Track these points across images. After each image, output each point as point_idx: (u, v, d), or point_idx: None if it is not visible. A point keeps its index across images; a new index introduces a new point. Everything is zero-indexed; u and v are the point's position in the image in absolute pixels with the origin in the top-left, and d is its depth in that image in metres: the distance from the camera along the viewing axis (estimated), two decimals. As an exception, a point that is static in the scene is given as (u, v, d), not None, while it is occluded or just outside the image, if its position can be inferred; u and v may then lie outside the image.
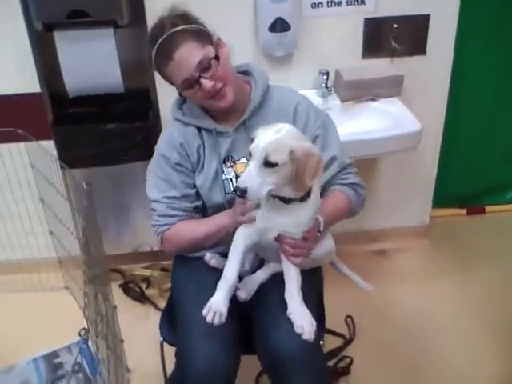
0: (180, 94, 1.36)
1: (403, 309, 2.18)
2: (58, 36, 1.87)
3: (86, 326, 1.18)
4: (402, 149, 1.92)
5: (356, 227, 2.40)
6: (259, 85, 1.39)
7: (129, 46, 1.96)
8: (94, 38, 1.89)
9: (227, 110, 1.35)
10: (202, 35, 1.30)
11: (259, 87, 1.39)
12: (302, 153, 1.10)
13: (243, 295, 1.34)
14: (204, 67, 1.27)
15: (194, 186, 1.41)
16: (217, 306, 1.24)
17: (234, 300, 1.29)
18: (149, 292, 2.32)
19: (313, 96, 2.07)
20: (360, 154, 1.83)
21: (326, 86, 2.05)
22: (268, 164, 1.10)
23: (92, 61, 1.92)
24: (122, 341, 1.87)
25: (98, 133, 1.99)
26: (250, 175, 1.11)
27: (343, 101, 2.07)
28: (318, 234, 1.30)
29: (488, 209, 2.74)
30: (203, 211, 1.45)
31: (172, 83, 1.33)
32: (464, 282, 2.29)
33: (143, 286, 2.34)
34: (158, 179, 1.40)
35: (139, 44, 1.95)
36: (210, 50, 1.28)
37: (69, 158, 2.00)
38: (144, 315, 2.22)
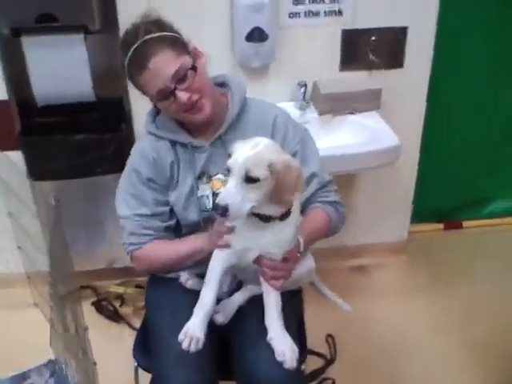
0: (154, 105, 1.31)
1: (382, 325, 2.14)
2: (27, 42, 1.81)
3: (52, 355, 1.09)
4: (380, 164, 1.89)
5: (334, 243, 2.34)
6: (236, 97, 1.33)
7: (100, 53, 1.91)
8: (64, 44, 1.83)
9: (203, 123, 1.29)
10: (178, 43, 1.24)
11: (236, 100, 1.33)
12: (281, 166, 1.06)
13: (220, 319, 1.28)
14: (180, 78, 1.21)
15: (167, 203, 1.34)
16: (193, 332, 1.17)
17: (211, 323, 1.23)
18: (123, 310, 2.24)
19: (291, 108, 2.04)
20: (337, 169, 1.79)
21: (304, 99, 2.03)
22: (249, 180, 1.05)
23: (62, 68, 1.85)
24: (95, 363, 1.77)
25: (68, 144, 1.92)
26: (230, 192, 1.05)
27: (321, 114, 2.04)
28: (298, 254, 1.24)
29: (465, 224, 2.73)
30: (177, 230, 1.39)
31: (145, 93, 1.27)
32: (440, 298, 2.27)
33: (117, 303, 2.26)
34: (127, 195, 1.33)
35: (111, 51, 1.89)
36: (186, 60, 1.23)
37: (38, 170, 1.96)
38: (118, 335, 2.13)
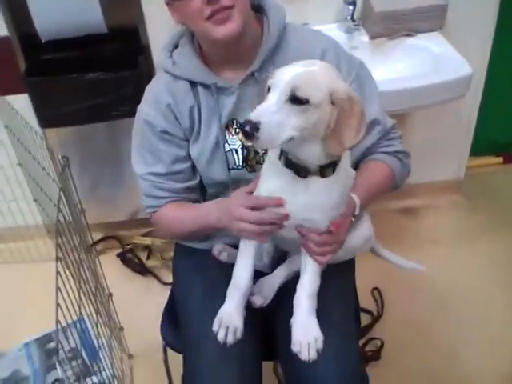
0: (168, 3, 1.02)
1: (435, 278, 1.95)
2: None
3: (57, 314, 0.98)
4: (447, 99, 1.61)
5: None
6: (273, 25, 1.06)
7: (110, -25, 1.63)
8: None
9: (228, 48, 1.03)
10: None
11: (273, 28, 1.06)
12: (345, 97, 0.81)
13: (258, 301, 1.09)
14: None
15: (188, 158, 1.13)
16: (228, 320, 1.01)
17: (249, 305, 1.06)
18: (150, 262, 2.10)
19: (335, 31, 1.76)
20: (393, 107, 1.51)
21: (352, 19, 1.74)
22: (295, 100, 0.79)
23: (66, -5, 1.58)
24: (122, 328, 1.65)
25: (80, 84, 1.70)
26: (267, 108, 0.79)
27: (373, 37, 1.75)
28: (353, 218, 1.02)
29: (527, 157, 2.47)
30: (203, 189, 1.19)
31: None
32: (505, 244, 2.06)
33: (144, 255, 2.12)
34: (142, 149, 1.13)
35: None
36: None
37: (47, 116, 1.77)
38: (145, 288, 2.02)
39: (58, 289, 1.01)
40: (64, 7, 1.61)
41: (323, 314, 1.01)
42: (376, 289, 1.90)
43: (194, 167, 1.15)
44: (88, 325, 1.51)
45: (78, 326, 1.34)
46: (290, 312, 1.03)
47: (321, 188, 0.91)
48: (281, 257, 1.17)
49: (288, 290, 1.08)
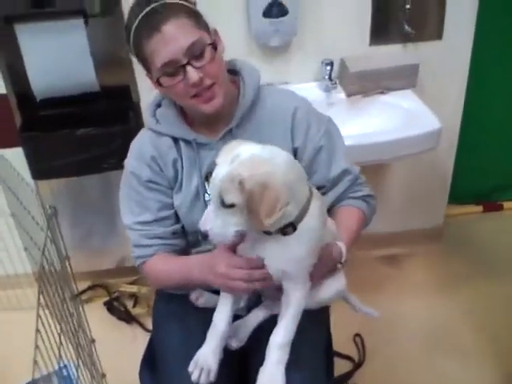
0: (157, 83, 1.08)
1: (416, 323, 1.98)
2: (20, 29, 1.64)
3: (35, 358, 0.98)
4: (418, 152, 1.70)
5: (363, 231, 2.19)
6: (249, 86, 1.15)
7: (103, 39, 1.75)
8: (62, 31, 1.66)
9: (211, 116, 1.11)
10: (200, 18, 1.07)
11: (249, 89, 1.15)
12: (254, 184, 0.87)
13: (234, 344, 1.12)
14: (195, 53, 1.03)
15: (173, 206, 1.19)
16: (205, 361, 1.03)
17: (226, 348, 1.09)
18: (136, 310, 2.12)
19: (315, 90, 1.87)
20: (368, 159, 1.63)
21: (330, 79, 1.84)
22: (226, 205, 0.90)
23: (61, 57, 1.70)
24: (104, 375, 1.66)
25: (72, 139, 1.78)
26: (209, 217, 0.93)
27: (349, 95, 1.85)
28: (339, 265, 1.10)
29: (506, 205, 2.54)
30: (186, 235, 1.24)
31: (149, 68, 1.07)
32: (483, 290, 2.09)
33: (130, 303, 2.15)
34: (130, 201, 1.19)
35: (114, 36, 1.73)
36: (206, 36, 1.05)
37: (40, 168, 1.84)
38: (130, 336, 2.03)
39: (37, 331, 1.02)
40: (59, 68, 1.71)
41: (291, 355, 1.03)
42: (358, 335, 1.91)
43: (177, 214, 1.20)
44: (71, 372, 1.52)
45: (64, 373, 1.35)
46: (263, 355, 1.05)
47: (287, 243, 0.96)
48: (256, 301, 1.20)
49: (264, 332, 1.10)
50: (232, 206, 0.89)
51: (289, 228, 0.95)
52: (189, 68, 1.02)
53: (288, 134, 1.15)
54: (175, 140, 1.16)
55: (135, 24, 1.04)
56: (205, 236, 0.93)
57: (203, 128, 1.17)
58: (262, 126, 1.15)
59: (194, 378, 1.03)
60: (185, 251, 1.23)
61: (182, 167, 1.17)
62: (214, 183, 0.90)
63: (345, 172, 1.19)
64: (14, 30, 1.63)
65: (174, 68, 1.03)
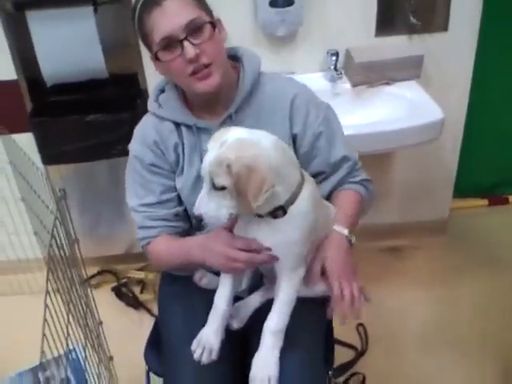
0: (156, 58, 1.11)
1: (419, 315, 2.00)
2: (31, 16, 1.67)
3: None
4: (421, 142, 1.71)
5: (365, 222, 2.20)
6: (249, 72, 1.17)
7: (111, 26, 1.77)
8: (72, 18, 1.68)
9: (208, 97, 1.13)
10: (202, 1, 1.10)
11: (248, 75, 1.17)
12: (240, 167, 0.90)
13: (235, 324, 1.15)
14: (194, 29, 1.05)
15: (175, 189, 1.22)
16: (207, 340, 1.06)
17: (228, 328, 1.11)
18: (144, 296, 2.16)
19: (320, 80, 1.88)
20: (372, 148, 1.65)
21: (335, 69, 1.85)
22: (217, 187, 0.93)
23: (70, 43, 1.72)
24: (111, 358, 1.70)
25: (82, 125, 1.81)
26: (203, 200, 0.96)
27: (354, 85, 1.86)
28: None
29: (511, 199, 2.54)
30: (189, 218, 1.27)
31: (149, 43, 1.10)
32: (486, 283, 2.09)
33: (137, 289, 2.19)
34: (134, 183, 1.22)
35: (123, 23, 1.75)
36: (206, 16, 1.07)
37: (50, 153, 1.87)
38: (138, 322, 2.07)
39: (45, 320, 1.04)
40: (69, 55, 1.73)
41: (289, 337, 1.05)
42: (361, 324, 1.92)
43: (180, 197, 1.23)
44: (80, 355, 1.55)
45: (73, 355, 1.38)
46: (259, 338, 1.08)
47: (277, 227, 0.99)
48: (257, 284, 1.23)
49: (265, 314, 1.12)
50: (223, 188, 0.92)
51: (279, 211, 0.97)
52: (186, 43, 1.05)
53: (287, 120, 1.17)
54: (177, 125, 1.18)
55: (140, 1, 1.07)
56: (199, 220, 0.96)
57: (204, 113, 1.19)
58: (261, 111, 1.17)
59: (196, 356, 1.06)
60: (189, 234, 1.25)
61: (183, 151, 1.19)
62: (204, 168, 0.94)
63: (344, 158, 1.21)
64: (25, 17, 1.67)
65: (172, 42, 1.05)
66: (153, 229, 1.21)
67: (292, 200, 0.97)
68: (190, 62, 1.06)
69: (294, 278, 1.04)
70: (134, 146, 1.22)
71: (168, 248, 1.21)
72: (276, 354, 1.03)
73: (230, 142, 0.93)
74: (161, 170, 1.20)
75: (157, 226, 1.21)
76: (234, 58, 1.20)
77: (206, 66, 1.07)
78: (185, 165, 1.20)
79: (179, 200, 1.23)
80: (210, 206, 0.95)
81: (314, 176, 1.19)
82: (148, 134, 1.19)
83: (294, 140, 1.18)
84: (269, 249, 1.01)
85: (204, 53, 1.06)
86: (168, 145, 1.19)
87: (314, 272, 1.09)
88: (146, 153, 1.19)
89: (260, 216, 0.99)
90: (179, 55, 1.06)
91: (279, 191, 0.95)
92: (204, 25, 1.06)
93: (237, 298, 1.17)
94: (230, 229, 1.05)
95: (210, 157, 0.93)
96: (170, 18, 1.04)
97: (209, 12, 1.10)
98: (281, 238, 1.00)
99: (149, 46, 1.11)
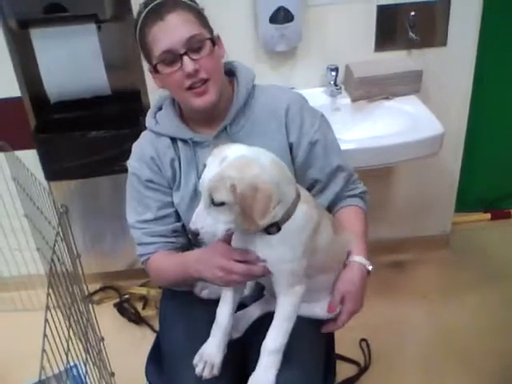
0: (155, 71, 1.12)
1: (422, 330, 1.98)
2: (35, 34, 1.71)
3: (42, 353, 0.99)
4: (421, 156, 1.71)
5: (370, 237, 2.20)
6: (243, 85, 1.19)
7: (114, 43, 1.80)
8: (75, 35, 1.73)
9: (204, 112, 1.15)
10: (204, 19, 1.12)
11: (243, 87, 1.19)
12: (245, 187, 0.90)
13: (233, 334, 1.15)
14: (194, 47, 1.07)
15: (173, 204, 1.22)
16: (209, 355, 1.06)
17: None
18: (146, 312, 2.15)
19: (320, 95, 1.89)
20: (372, 162, 1.66)
21: (335, 84, 1.86)
22: (215, 203, 0.93)
23: (74, 61, 1.76)
24: (113, 374, 1.69)
25: (85, 141, 1.83)
26: (199, 215, 0.96)
27: (354, 100, 1.87)
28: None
29: (514, 213, 2.53)
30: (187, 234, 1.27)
31: (149, 55, 1.11)
32: (490, 298, 2.08)
33: (140, 305, 2.18)
34: (132, 200, 1.23)
35: (125, 41, 1.79)
36: (206, 34, 1.10)
37: (53, 169, 1.89)
38: (140, 338, 2.05)
39: (45, 336, 1.03)
40: (72, 72, 1.77)
41: (286, 357, 1.04)
42: (364, 340, 1.91)
43: (177, 212, 1.23)
44: (81, 371, 1.55)
45: (74, 372, 1.37)
46: (257, 349, 1.07)
47: (270, 243, 0.98)
48: (260, 291, 1.23)
49: (264, 326, 1.11)
50: (222, 204, 0.92)
51: (273, 227, 0.97)
52: (185, 58, 1.07)
53: (283, 130, 1.18)
54: (173, 140, 1.19)
55: (144, 13, 1.09)
56: (195, 235, 0.96)
57: (200, 127, 1.20)
58: (256, 122, 1.18)
59: (197, 370, 1.06)
60: (188, 249, 1.24)
61: (180, 166, 1.20)
62: (203, 183, 0.94)
63: (339, 168, 1.22)
64: (29, 35, 1.70)
65: (172, 57, 1.07)
66: (151, 245, 1.22)
67: (287, 217, 0.97)
68: (188, 77, 1.08)
69: (291, 294, 1.02)
70: (131, 163, 1.23)
71: (165, 264, 1.21)
72: (273, 373, 1.02)
73: (232, 160, 0.93)
74: (158, 186, 1.21)
75: (155, 242, 1.21)
76: (229, 72, 1.22)
77: (204, 81, 1.09)
78: (182, 180, 1.20)
79: (177, 216, 1.23)
80: (206, 221, 0.95)
81: (311, 185, 1.20)
82: (145, 150, 1.21)
83: (291, 148, 1.19)
84: (264, 261, 1.00)
85: (202, 68, 1.08)
86: (165, 160, 1.19)
87: (334, 301, 1.11)
88: (143, 169, 1.20)
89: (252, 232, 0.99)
90: (178, 69, 1.08)
91: (278, 209, 0.95)
92: (204, 41, 1.08)
93: (240, 304, 1.17)
94: (227, 241, 1.05)
95: (209, 172, 0.93)
96: (171, 33, 1.06)
97: (209, 30, 1.12)
98: (274, 255, 1.00)
99: (148, 58, 1.13)
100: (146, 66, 1.80)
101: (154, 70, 1.12)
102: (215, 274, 1.03)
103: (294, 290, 1.02)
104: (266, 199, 0.91)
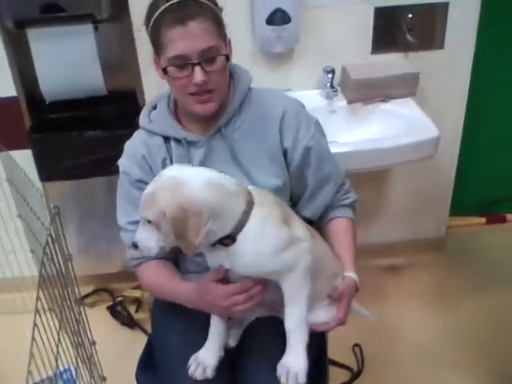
0: (163, 70, 1.11)
1: (416, 334, 1.97)
2: (31, 34, 1.69)
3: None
4: (416, 159, 1.72)
5: (362, 240, 2.19)
6: (240, 87, 1.19)
7: (110, 43, 1.79)
8: (72, 35, 1.71)
9: (202, 117, 1.15)
10: (223, 28, 1.11)
11: (239, 90, 1.19)
12: (174, 210, 0.91)
13: (231, 342, 1.15)
14: (209, 58, 1.06)
15: None
16: (203, 358, 1.07)
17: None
18: (139, 315, 2.14)
19: (316, 97, 1.89)
20: (367, 165, 1.67)
21: (332, 86, 1.86)
22: (146, 220, 0.97)
23: (70, 61, 1.74)
24: (105, 378, 1.67)
25: (80, 141, 1.83)
26: (139, 228, 1.00)
27: (350, 102, 1.87)
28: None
29: (510, 217, 2.52)
30: None
31: (159, 52, 1.10)
32: (485, 302, 2.08)
33: (133, 308, 2.17)
34: (122, 200, 1.22)
35: (122, 41, 1.79)
36: (223, 47, 1.09)
37: (48, 170, 1.88)
38: (132, 341, 2.01)
39: (33, 339, 1.02)
40: (68, 72, 1.75)
41: (272, 365, 1.03)
42: (357, 345, 1.90)
43: None
44: (72, 376, 1.53)
45: (65, 376, 1.35)
46: (248, 354, 1.12)
47: (234, 253, 0.98)
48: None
49: (255, 332, 1.16)
50: (151, 222, 0.95)
51: (227, 240, 0.97)
52: (197, 68, 1.06)
53: (277, 134, 1.17)
54: (166, 139, 1.18)
55: (164, 6, 1.05)
56: (135, 246, 1.00)
57: (194, 126, 1.19)
58: (251, 125, 1.18)
59: (190, 371, 1.07)
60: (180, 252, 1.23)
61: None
62: (141, 199, 0.97)
63: (329, 177, 1.23)
64: (25, 35, 1.69)
65: (185, 62, 1.06)
66: None
67: (239, 228, 0.97)
68: (195, 85, 1.08)
69: (293, 277, 1.01)
70: (122, 162, 1.22)
71: (157, 283, 1.22)
72: (301, 349, 1.01)
73: (161, 180, 0.97)
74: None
75: None
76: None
77: (209, 91, 1.09)
78: None
79: None
80: (142, 235, 0.99)
81: (302, 190, 1.21)
82: (137, 149, 1.20)
83: (285, 154, 1.19)
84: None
85: (211, 80, 1.08)
86: (156, 160, 1.18)
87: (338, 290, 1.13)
88: (134, 168, 1.19)
89: (213, 245, 0.99)
90: (187, 76, 1.07)
91: (216, 224, 0.94)
92: (219, 56, 1.08)
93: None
94: (220, 277, 1.04)
95: (146, 190, 0.97)
96: (190, 40, 1.04)
97: (225, 39, 1.12)
98: (243, 261, 0.99)
99: (157, 52, 1.11)
100: (142, 65, 1.79)
101: (163, 71, 1.10)
102: (220, 312, 1.07)
103: (295, 272, 1.01)
104: (196, 217, 0.92)
